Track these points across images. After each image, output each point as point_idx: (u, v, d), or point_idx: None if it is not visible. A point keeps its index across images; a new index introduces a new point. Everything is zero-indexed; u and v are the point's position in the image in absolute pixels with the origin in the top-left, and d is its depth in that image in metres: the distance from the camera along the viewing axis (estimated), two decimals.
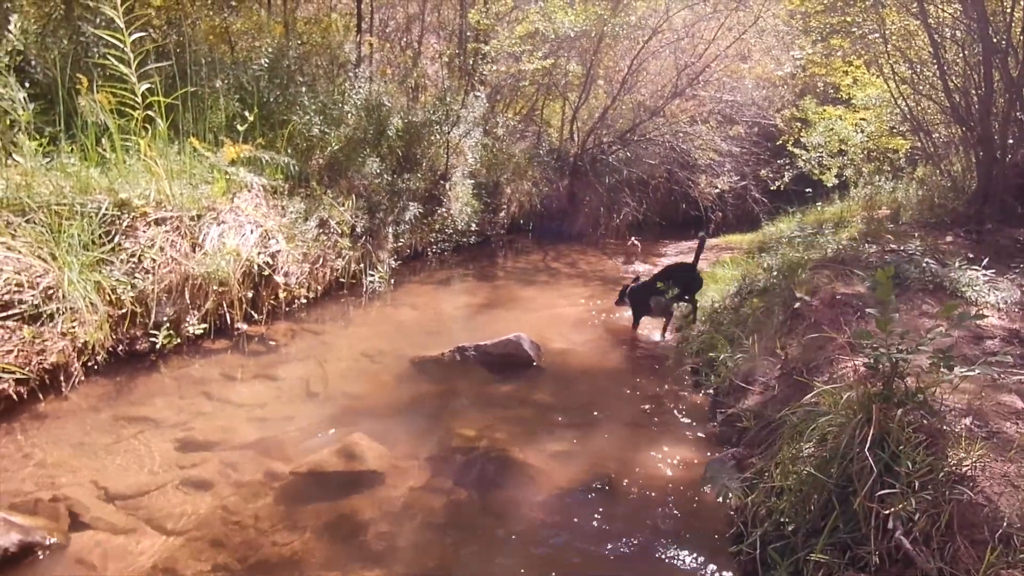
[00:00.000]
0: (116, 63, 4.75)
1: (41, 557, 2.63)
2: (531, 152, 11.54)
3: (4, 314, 3.65)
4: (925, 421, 2.53)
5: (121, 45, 4.69)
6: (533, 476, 3.41)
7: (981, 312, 3.79)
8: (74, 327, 3.95)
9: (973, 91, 6.94)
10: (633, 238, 10.18)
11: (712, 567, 2.76)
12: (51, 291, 3.89)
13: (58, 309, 3.88)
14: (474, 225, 9.40)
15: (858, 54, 9.20)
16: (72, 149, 4.77)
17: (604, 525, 3.03)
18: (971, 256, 5.29)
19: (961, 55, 7.06)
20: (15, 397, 3.61)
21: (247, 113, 5.87)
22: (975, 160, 7.21)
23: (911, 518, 2.18)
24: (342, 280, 6.62)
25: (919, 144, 8.94)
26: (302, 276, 5.95)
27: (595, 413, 4.15)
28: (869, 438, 2.38)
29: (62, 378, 3.90)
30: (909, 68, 8.15)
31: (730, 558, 2.76)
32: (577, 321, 6.21)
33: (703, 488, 3.32)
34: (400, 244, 7.88)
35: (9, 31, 4.87)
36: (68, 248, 4.07)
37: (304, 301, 5.98)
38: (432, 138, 8.62)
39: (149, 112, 4.99)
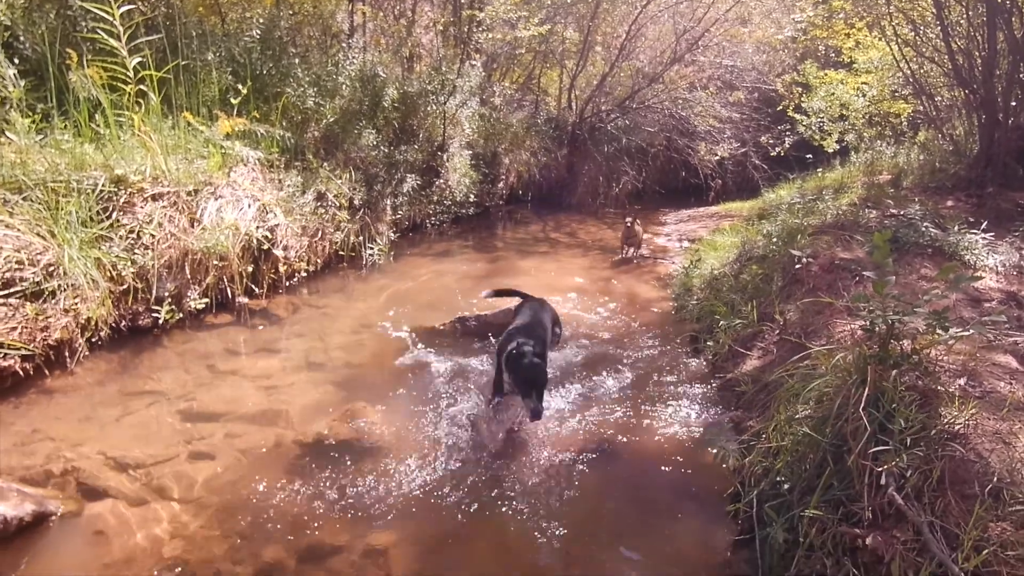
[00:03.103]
0: (105, 37, 4.68)
1: (55, 526, 2.70)
2: (529, 122, 11.42)
3: (6, 292, 3.67)
4: (920, 382, 2.56)
5: (110, 18, 4.62)
6: (534, 441, 3.47)
7: (977, 274, 3.80)
8: (76, 303, 3.97)
9: (976, 53, 6.84)
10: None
11: (710, 524, 2.83)
12: (52, 268, 3.90)
13: (60, 286, 3.90)
14: (472, 196, 9.35)
15: (860, 16, 9.04)
16: (65, 125, 4.74)
17: (605, 486, 3.10)
18: (971, 220, 5.28)
19: (965, 16, 6.93)
20: (21, 373, 3.66)
21: (240, 86, 5.81)
22: (977, 123, 7.14)
23: (903, 474, 2.23)
24: (341, 253, 6.63)
25: (921, 108, 8.85)
26: (301, 250, 5.96)
27: (595, 380, 4.19)
28: (864, 398, 2.42)
29: (67, 354, 3.94)
30: (912, 30, 8.02)
31: (727, 516, 2.83)
32: (577, 290, 6.23)
33: (702, 451, 3.38)
34: (399, 216, 7.87)
35: None
36: (67, 225, 4.08)
37: (304, 275, 6.00)
38: (428, 109, 8.53)
39: (141, 86, 4.94)
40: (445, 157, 8.91)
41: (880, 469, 2.26)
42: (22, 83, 4.70)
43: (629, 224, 7.46)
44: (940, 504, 2.14)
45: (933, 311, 2.48)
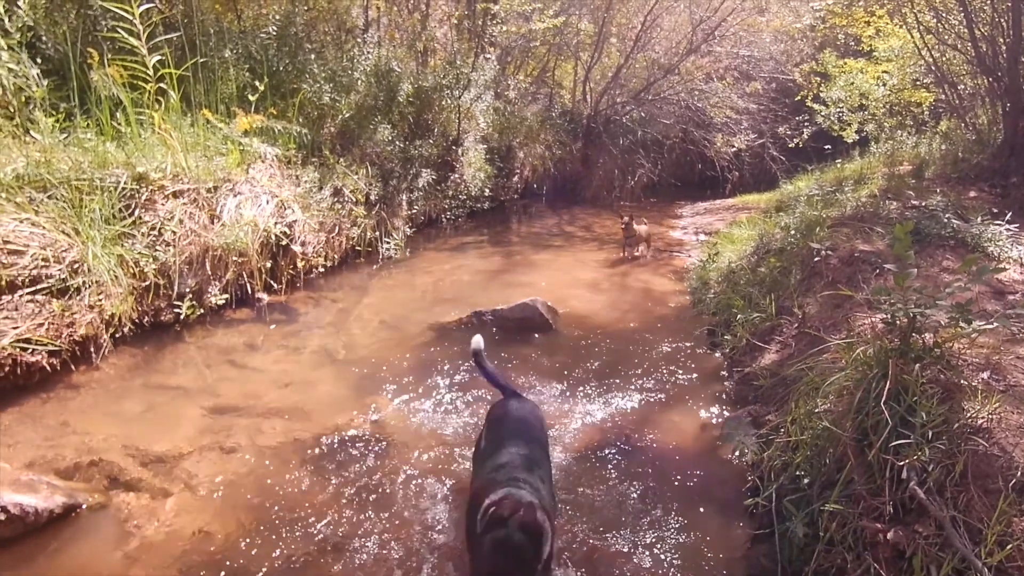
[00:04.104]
0: (125, 36, 4.75)
1: (84, 518, 2.76)
2: (543, 115, 11.39)
3: (33, 288, 3.75)
4: (942, 375, 2.53)
5: (130, 17, 4.68)
6: (551, 436, 3.47)
7: (1001, 266, 3.73)
8: (100, 300, 4.05)
9: (1001, 39, 6.70)
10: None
11: (728, 518, 2.83)
12: (76, 265, 3.98)
13: (84, 282, 3.97)
14: (487, 191, 9.36)
15: (881, 3, 8.88)
16: (88, 124, 4.81)
17: (622, 481, 3.10)
18: (995, 211, 5.19)
19: (989, 1, 6.78)
20: (48, 368, 3.74)
21: (257, 83, 5.85)
22: (1002, 112, 7.00)
23: (925, 469, 2.21)
24: (358, 248, 6.68)
25: (943, 97, 8.69)
26: (319, 245, 6.01)
27: (612, 374, 4.19)
28: (885, 392, 2.40)
29: (92, 349, 4.02)
30: (934, 16, 7.87)
31: (746, 511, 2.82)
32: (592, 284, 6.22)
33: (720, 445, 3.37)
34: (414, 211, 7.90)
35: (18, 6, 4.88)
36: (90, 223, 4.15)
37: (321, 270, 6.05)
38: (443, 103, 8.54)
39: (161, 85, 5.00)
40: (460, 151, 8.92)
41: (902, 463, 2.24)
42: (45, 82, 4.78)
43: (627, 223, 6.95)
44: (963, 499, 2.12)
45: (956, 304, 2.45)
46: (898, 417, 2.36)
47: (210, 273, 4.86)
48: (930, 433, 2.28)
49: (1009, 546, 1.92)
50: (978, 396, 2.40)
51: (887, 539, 2.15)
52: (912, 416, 2.35)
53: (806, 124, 11.48)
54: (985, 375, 2.68)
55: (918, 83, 9.47)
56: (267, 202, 5.40)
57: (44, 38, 5.21)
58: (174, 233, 4.63)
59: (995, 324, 2.48)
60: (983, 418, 2.32)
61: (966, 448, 2.22)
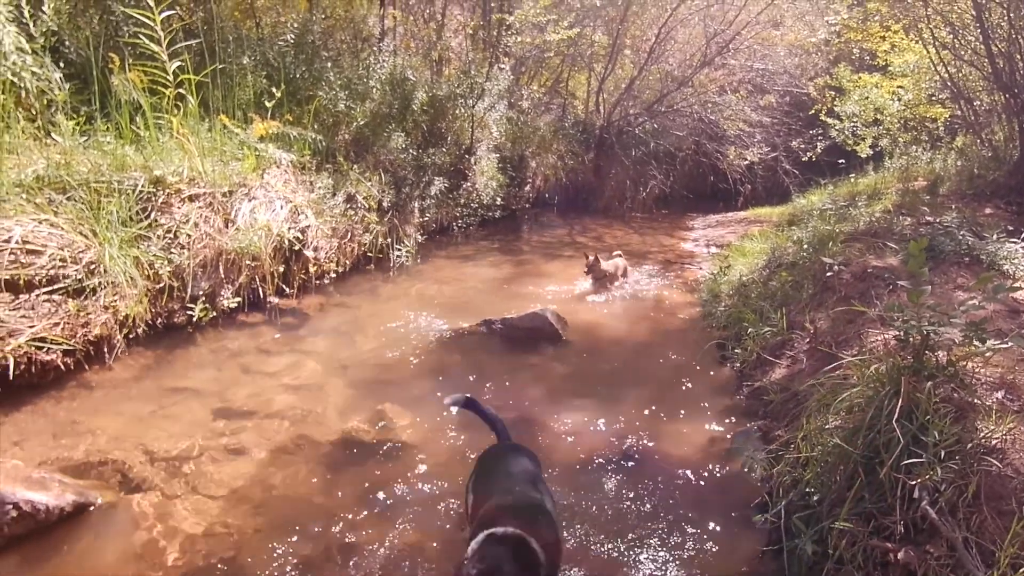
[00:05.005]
0: (147, 41, 4.82)
1: (94, 516, 2.78)
2: (556, 125, 11.42)
3: (50, 288, 3.80)
4: (955, 394, 2.51)
5: (151, 23, 4.76)
6: (559, 446, 3.47)
7: (1017, 284, 3.69)
8: (115, 301, 4.10)
9: (1018, 55, 6.66)
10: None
11: (736, 534, 2.81)
12: (93, 266, 4.03)
13: (100, 283, 4.02)
14: (499, 199, 9.38)
15: (896, 18, 8.86)
16: (107, 127, 4.89)
17: (629, 493, 3.09)
18: (1011, 228, 5.14)
19: (1006, 18, 6.75)
20: (63, 367, 3.78)
21: (274, 89, 5.92)
22: (1018, 129, 6.95)
23: (937, 488, 2.19)
24: (370, 255, 6.71)
25: (959, 112, 8.64)
26: (331, 251, 6.05)
27: (620, 385, 4.18)
28: (897, 410, 2.38)
29: (106, 350, 4.06)
30: (950, 32, 7.84)
31: (754, 527, 2.80)
32: (603, 295, 6.21)
33: (729, 459, 3.34)
34: (426, 219, 7.93)
35: (43, 11, 4.98)
36: (107, 224, 4.20)
37: (333, 275, 6.09)
38: (457, 112, 8.59)
39: (180, 90, 5.07)
40: (472, 160, 8.96)
41: (913, 483, 2.22)
42: (67, 86, 4.87)
43: (591, 264, 6.10)
44: (975, 520, 2.09)
45: (970, 322, 2.43)
46: (910, 435, 2.34)
47: (223, 276, 4.91)
48: (942, 452, 2.26)
49: (1022, 569, 1.90)
50: (992, 416, 2.38)
51: (897, 559, 2.12)
52: (924, 435, 2.33)
53: (820, 138, 11.43)
54: (999, 395, 2.65)
55: (933, 98, 9.42)
56: (281, 207, 5.45)
57: (67, 42, 5.31)
58: (189, 236, 4.68)
59: (1010, 343, 2.45)
60: (997, 438, 2.30)
61: (979, 468, 2.19)
